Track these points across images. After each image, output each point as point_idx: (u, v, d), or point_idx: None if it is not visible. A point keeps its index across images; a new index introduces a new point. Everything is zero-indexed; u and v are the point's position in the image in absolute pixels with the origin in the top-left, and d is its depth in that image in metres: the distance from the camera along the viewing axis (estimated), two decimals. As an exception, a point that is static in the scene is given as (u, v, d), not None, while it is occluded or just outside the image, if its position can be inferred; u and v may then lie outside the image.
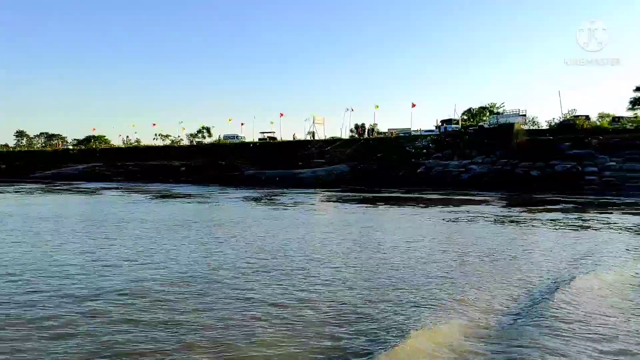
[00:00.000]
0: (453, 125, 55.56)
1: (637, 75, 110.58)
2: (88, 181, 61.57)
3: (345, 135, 67.99)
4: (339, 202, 32.31)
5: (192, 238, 16.73)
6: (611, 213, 23.45)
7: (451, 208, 26.75)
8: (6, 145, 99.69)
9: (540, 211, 24.79)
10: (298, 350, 6.82)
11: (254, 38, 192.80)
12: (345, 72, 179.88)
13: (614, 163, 38.83)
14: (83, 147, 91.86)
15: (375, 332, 7.48)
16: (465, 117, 72.52)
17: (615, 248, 14.31)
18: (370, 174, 50.07)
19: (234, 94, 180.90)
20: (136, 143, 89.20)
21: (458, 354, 6.60)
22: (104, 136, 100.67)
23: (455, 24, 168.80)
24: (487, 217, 22.41)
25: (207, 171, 61.35)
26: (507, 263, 12.32)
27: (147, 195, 39.34)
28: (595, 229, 18.29)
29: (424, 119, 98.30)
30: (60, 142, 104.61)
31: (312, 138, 66.78)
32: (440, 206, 28.06)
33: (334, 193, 39.81)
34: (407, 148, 51.88)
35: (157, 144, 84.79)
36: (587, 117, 50.20)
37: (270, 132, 74.41)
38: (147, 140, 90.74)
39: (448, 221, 21.26)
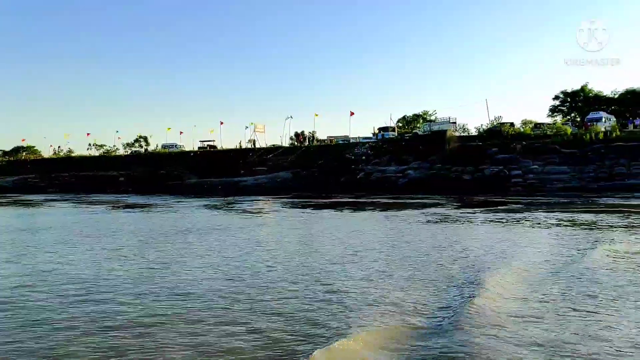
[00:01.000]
0: (390, 133, 57.81)
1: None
2: (22, 193, 59.37)
3: (286, 143, 69.26)
4: (301, 208, 33.03)
5: (231, 242, 17.56)
6: (565, 212, 25.78)
7: (419, 211, 27.84)
8: None
9: (492, 211, 26.66)
10: (228, 352, 6.95)
11: (192, 46, 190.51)
12: (284, 80, 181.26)
13: (536, 166, 42.29)
14: (11, 158, 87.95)
15: (309, 334, 7.59)
16: (400, 125, 75.58)
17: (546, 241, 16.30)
18: (313, 181, 51.38)
19: (173, 102, 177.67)
20: (68, 153, 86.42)
21: (390, 353, 6.83)
22: (34, 147, 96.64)
23: (389, 35, 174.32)
24: (451, 217, 24.17)
25: (148, 181, 60.68)
26: (450, 261, 13.84)
27: (103, 206, 38.56)
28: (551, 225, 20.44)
29: (361, 127, 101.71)
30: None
31: (252, 146, 67.51)
32: (405, 209, 29.03)
33: (288, 200, 40.55)
34: (347, 155, 53.60)
35: (91, 154, 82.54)
36: (512, 124, 54.01)
37: (210, 141, 74.40)
38: (81, 150, 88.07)
39: (427, 222, 22.45)
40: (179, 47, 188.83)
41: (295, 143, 70.01)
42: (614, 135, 42.90)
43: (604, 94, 64.58)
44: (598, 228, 18.89)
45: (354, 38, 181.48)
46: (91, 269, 13.00)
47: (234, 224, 24.35)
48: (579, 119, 59.91)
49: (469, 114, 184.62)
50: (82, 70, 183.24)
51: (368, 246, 16.12)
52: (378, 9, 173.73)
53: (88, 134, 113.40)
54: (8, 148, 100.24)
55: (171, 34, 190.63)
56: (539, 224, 21.00)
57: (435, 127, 54.52)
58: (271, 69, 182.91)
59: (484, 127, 56.21)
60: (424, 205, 31.17)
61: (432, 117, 74.15)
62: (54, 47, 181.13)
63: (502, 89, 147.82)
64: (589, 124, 47.97)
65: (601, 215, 23.22)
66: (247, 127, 74.01)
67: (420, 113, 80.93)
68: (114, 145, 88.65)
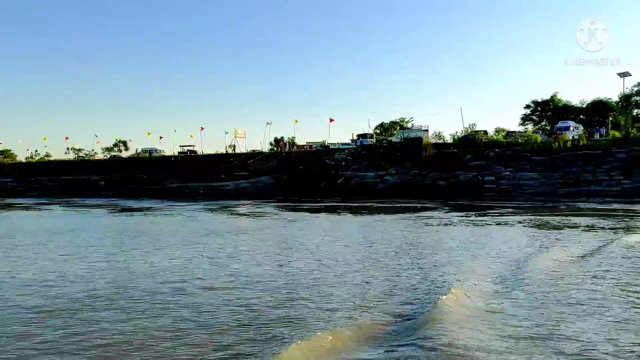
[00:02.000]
0: (368, 140, 59.32)
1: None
2: (1, 197, 59.12)
3: (266, 148, 70.41)
4: (294, 211, 33.98)
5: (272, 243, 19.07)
6: (552, 215, 27.42)
7: (411, 214, 29.16)
8: None
9: (482, 215, 28.07)
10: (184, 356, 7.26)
11: (171, 51, 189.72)
12: (263, 85, 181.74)
13: (508, 173, 44.32)
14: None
15: (266, 338, 7.91)
16: (377, 131, 77.34)
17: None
18: (294, 186, 52.53)
19: (153, 107, 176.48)
20: (44, 157, 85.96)
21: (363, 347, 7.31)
22: (10, 150, 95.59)
23: (367, 42, 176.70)
24: (451, 221, 25.56)
25: (128, 185, 61.08)
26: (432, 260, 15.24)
27: (101, 210, 39.25)
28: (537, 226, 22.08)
29: (340, 132, 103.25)
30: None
31: (233, 151, 68.49)
32: (397, 213, 30.25)
33: (277, 204, 41.33)
34: (327, 161, 54.90)
35: (69, 158, 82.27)
36: (485, 132, 56.14)
37: (190, 146, 75.07)
38: (59, 154, 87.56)
39: (426, 225, 23.67)
40: (158, 51, 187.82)
41: (276, 149, 71.30)
42: (581, 143, 45.16)
43: (573, 104, 67.31)
44: (556, 229, 20.76)
45: (334, 44, 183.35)
46: (212, 265, 14.37)
47: (252, 226, 26.35)
48: (549, 128, 62.35)
49: (445, 122, 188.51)
50: (61, 72, 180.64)
51: (366, 245, 17.60)
52: (359, 16, 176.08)
53: (67, 137, 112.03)
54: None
55: (151, 37, 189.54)
56: (507, 224, 22.93)
57: (413, 135, 56.26)
58: (250, 74, 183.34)
59: (459, 134, 58.13)
60: (406, 210, 32.53)
61: (409, 124, 76.14)
62: (30, 47, 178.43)
63: (476, 97, 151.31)
64: (558, 132, 50.10)
65: (568, 218, 25.22)
66: (227, 132, 75.07)
67: (398, 120, 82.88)
68: (93, 150, 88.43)
